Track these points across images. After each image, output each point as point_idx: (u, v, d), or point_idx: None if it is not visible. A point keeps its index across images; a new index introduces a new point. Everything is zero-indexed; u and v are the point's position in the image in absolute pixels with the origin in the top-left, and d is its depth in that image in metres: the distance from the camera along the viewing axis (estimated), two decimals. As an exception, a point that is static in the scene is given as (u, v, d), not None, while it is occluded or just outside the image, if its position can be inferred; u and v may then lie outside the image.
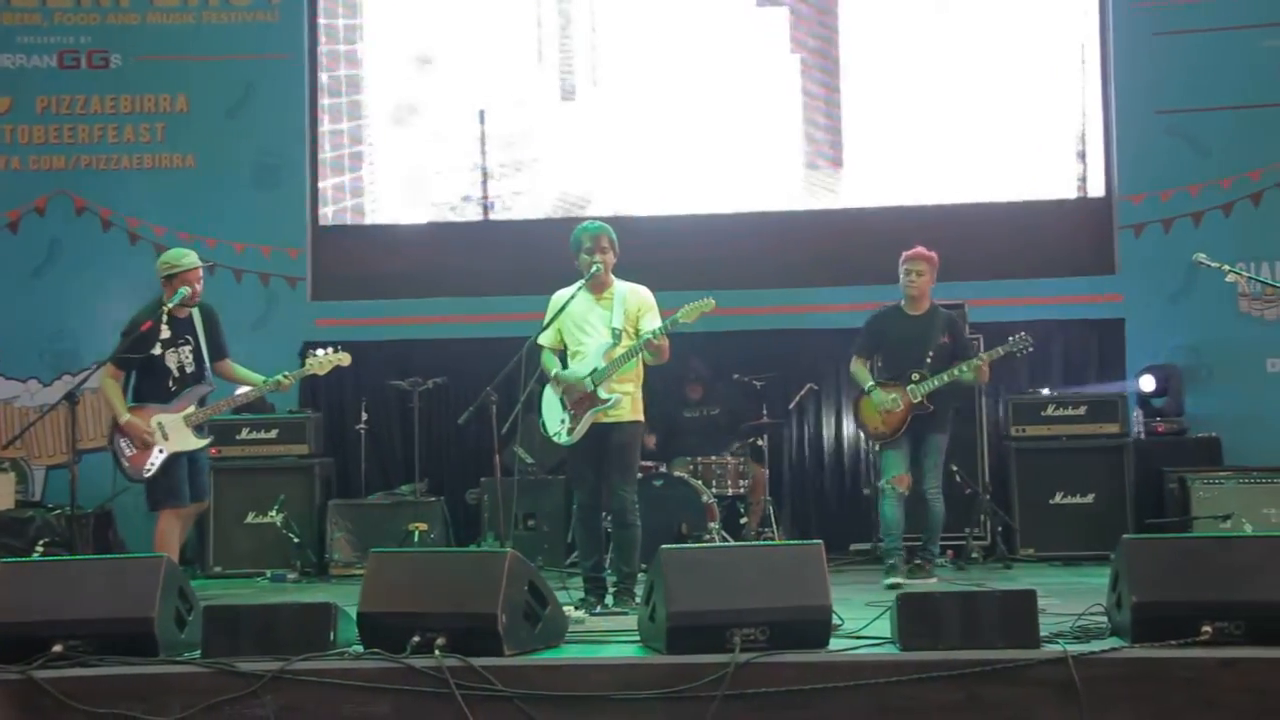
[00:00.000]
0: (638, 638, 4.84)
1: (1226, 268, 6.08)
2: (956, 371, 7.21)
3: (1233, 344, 9.56)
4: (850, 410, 7.95)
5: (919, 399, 7.21)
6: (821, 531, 8.88)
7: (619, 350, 6.18)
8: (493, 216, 10.41)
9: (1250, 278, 6.69)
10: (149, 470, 6.82)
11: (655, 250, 8.81)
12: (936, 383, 7.20)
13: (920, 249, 7.42)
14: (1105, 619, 4.73)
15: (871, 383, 7.35)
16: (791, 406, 9.20)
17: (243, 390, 7.17)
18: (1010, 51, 10.10)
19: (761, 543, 7.94)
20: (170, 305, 6.82)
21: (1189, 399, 9.37)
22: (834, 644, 4.50)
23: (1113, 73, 9.95)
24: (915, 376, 7.23)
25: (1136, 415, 9.22)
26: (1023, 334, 7.28)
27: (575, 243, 6.30)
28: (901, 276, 7.42)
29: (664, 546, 4.65)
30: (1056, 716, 4.14)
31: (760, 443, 8.94)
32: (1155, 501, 8.78)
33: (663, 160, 10.31)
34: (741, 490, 8.63)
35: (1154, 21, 9.78)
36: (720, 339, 9.17)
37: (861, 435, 8.89)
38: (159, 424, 6.83)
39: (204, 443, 6.97)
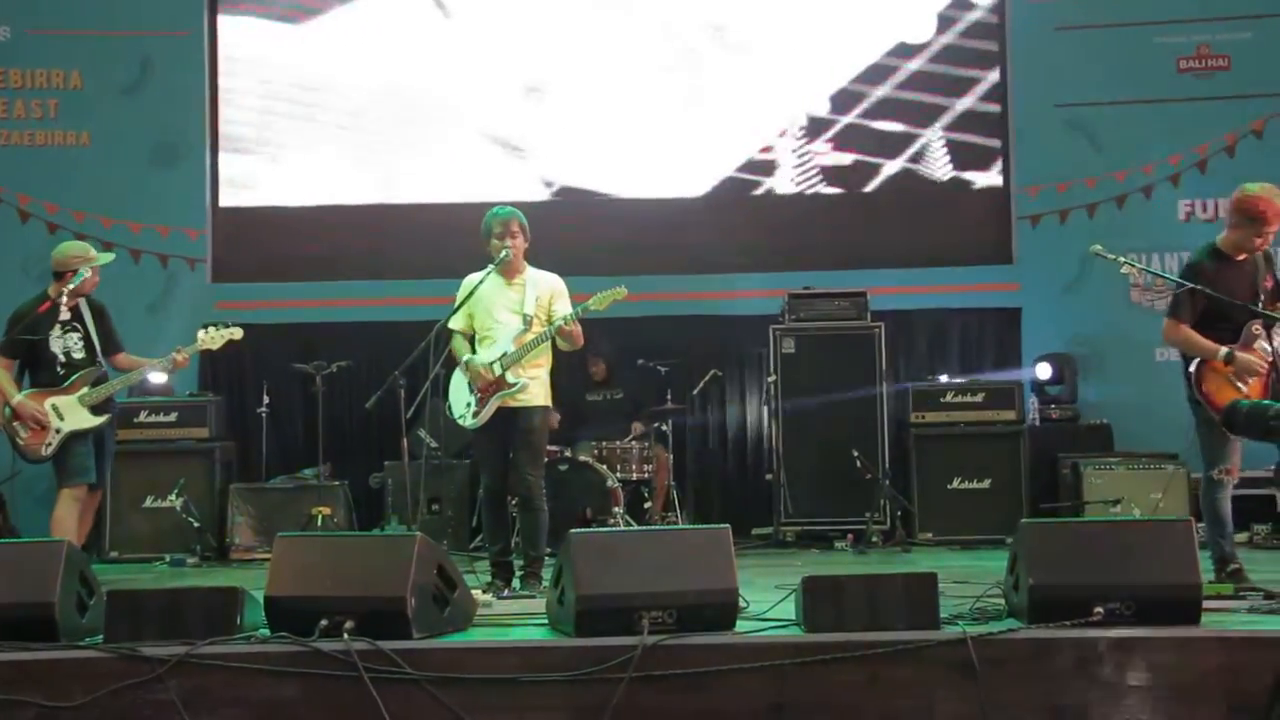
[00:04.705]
0: (546, 621, 4.86)
1: (1122, 260, 6.18)
2: None
3: (1124, 334, 9.81)
4: (1195, 381, 5.88)
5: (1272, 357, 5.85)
6: (724, 516, 8.96)
7: (529, 335, 6.18)
8: (397, 199, 10.32)
9: (1143, 269, 6.81)
10: (46, 448, 6.81)
11: (564, 234, 8.82)
12: None
13: None
14: (1003, 601, 4.86)
15: (1225, 350, 5.80)
16: (695, 392, 9.26)
17: (137, 369, 7.10)
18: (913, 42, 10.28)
19: (668, 527, 8.00)
20: (72, 286, 6.78)
21: (1081, 387, 9.61)
22: (740, 626, 4.56)
23: (1011, 65, 10.15)
24: (1255, 329, 5.86)
25: (1032, 402, 9.44)
26: None
27: (486, 228, 6.28)
28: (1250, 229, 5.84)
29: (573, 531, 4.67)
30: (955, 696, 4.23)
31: (664, 428, 9.01)
32: (1049, 486, 9.02)
33: (575, 144, 10.32)
34: (646, 475, 8.69)
35: (1054, 15, 10.00)
36: (625, 324, 9.18)
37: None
38: (53, 406, 6.84)
39: (101, 420, 6.92)
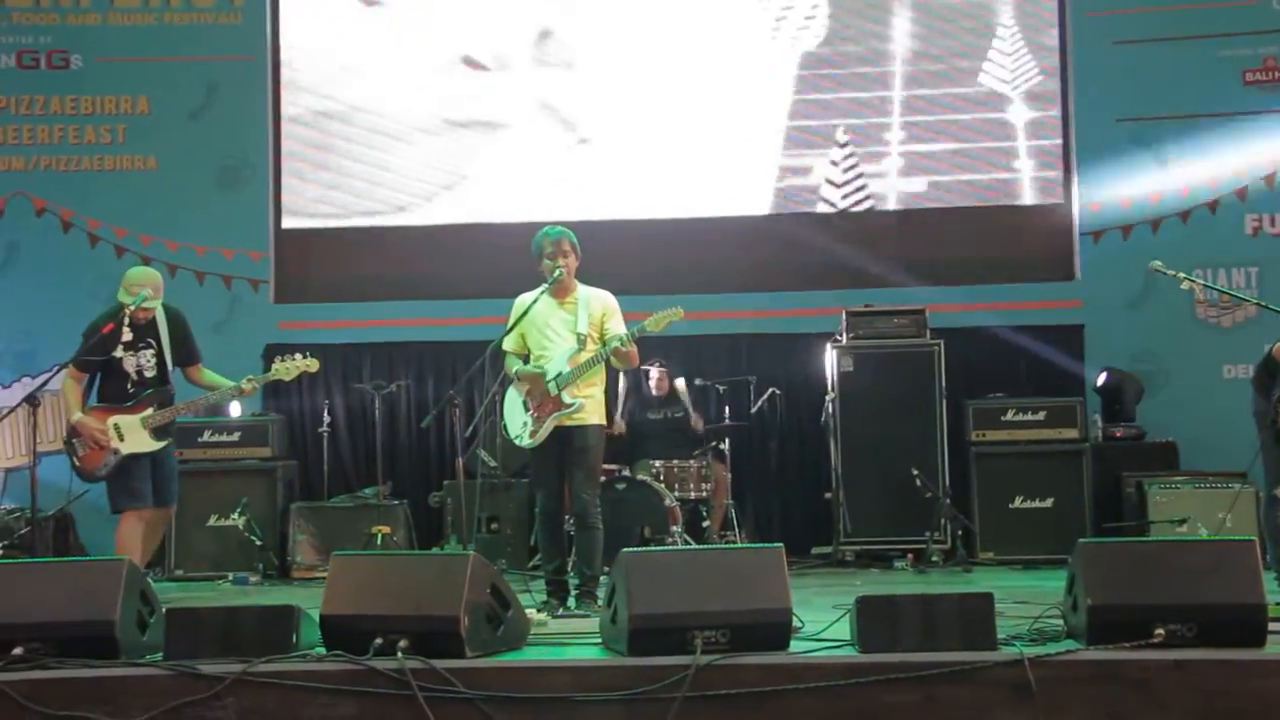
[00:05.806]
0: (599, 640, 4.87)
1: (1182, 275, 6.12)
2: None
3: (1190, 350, 9.67)
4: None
5: None
6: (783, 535, 8.97)
7: (584, 355, 6.21)
8: (455, 219, 10.39)
9: (1205, 285, 6.73)
10: (102, 470, 6.79)
11: (618, 254, 8.84)
12: None
13: None
14: (1061, 621, 4.79)
15: None
16: (754, 410, 9.23)
17: (204, 394, 7.12)
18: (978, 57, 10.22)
19: (722, 545, 7.98)
20: (131, 307, 6.78)
21: (1146, 404, 9.47)
22: (794, 646, 4.54)
23: (1073, 80, 10.05)
24: None
25: (1095, 420, 9.32)
26: None
27: (537, 247, 6.32)
28: None
29: (625, 549, 4.67)
30: (1012, 717, 4.18)
31: (723, 446, 8.98)
32: (1113, 506, 8.88)
33: (628, 163, 10.32)
34: (704, 493, 8.66)
35: (1114, 30, 9.89)
36: (683, 343, 9.21)
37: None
38: (115, 425, 6.78)
39: (160, 445, 6.87)
